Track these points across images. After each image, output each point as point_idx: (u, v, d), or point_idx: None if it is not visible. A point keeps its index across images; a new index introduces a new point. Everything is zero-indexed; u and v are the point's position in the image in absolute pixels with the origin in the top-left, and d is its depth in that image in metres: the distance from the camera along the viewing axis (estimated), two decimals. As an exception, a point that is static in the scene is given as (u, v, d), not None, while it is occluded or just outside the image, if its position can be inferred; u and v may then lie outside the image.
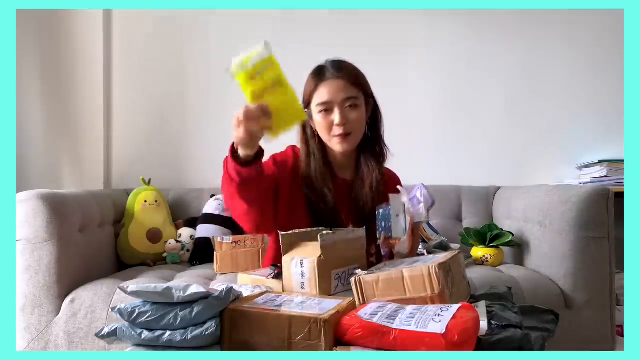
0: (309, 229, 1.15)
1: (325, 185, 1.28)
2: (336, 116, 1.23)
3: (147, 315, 0.84)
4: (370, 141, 1.34)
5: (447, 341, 0.71)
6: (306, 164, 1.30)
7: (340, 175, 1.35)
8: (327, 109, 1.24)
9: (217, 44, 2.57)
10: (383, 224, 1.21)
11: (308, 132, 1.32)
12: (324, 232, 1.03)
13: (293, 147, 1.38)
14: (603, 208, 1.62)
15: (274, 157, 1.34)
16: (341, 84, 1.24)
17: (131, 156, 2.56)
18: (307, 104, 1.29)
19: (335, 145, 1.26)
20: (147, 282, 1.70)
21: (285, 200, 1.28)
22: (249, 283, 1.17)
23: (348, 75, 1.25)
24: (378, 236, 1.25)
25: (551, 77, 2.53)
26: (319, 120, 1.26)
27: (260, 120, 0.97)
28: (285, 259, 1.06)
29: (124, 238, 2.08)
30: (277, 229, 1.26)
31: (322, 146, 1.31)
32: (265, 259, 1.48)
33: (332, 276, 1.03)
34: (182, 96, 2.58)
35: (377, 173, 1.31)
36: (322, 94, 1.24)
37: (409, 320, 0.77)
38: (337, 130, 1.24)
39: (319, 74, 1.27)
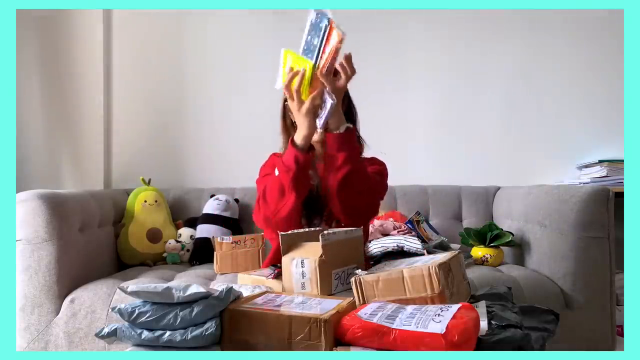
0: (307, 229, 1.16)
1: (311, 169, 1.35)
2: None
3: (147, 315, 0.84)
4: None
5: (447, 341, 0.71)
6: None
7: (318, 163, 1.41)
8: None
9: (217, 44, 2.57)
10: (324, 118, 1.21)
11: (288, 122, 1.39)
12: (325, 232, 1.03)
13: (275, 154, 1.47)
14: (603, 208, 1.62)
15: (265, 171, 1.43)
16: None
17: (131, 156, 2.56)
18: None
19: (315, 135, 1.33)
20: (147, 282, 1.70)
21: None
22: (249, 283, 1.17)
23: None
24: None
25: (551, 77, 2.53)
26: None
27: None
28: (285, 259, 1.06)
29: (124, 238, 2.08)
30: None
31: None
32: (266, 261, 1.48)
33: (332, 276, 1.03)
34: (182, 96, 2.58)
35: None
36: None
37: (409, 320, 0.77)
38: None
39: None
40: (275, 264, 1.25)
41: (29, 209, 1.59)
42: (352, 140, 1.25)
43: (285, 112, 1.39)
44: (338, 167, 1.22)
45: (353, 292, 0.94)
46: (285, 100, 1.34)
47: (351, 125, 1.25)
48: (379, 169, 1.40)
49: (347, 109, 1.37)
